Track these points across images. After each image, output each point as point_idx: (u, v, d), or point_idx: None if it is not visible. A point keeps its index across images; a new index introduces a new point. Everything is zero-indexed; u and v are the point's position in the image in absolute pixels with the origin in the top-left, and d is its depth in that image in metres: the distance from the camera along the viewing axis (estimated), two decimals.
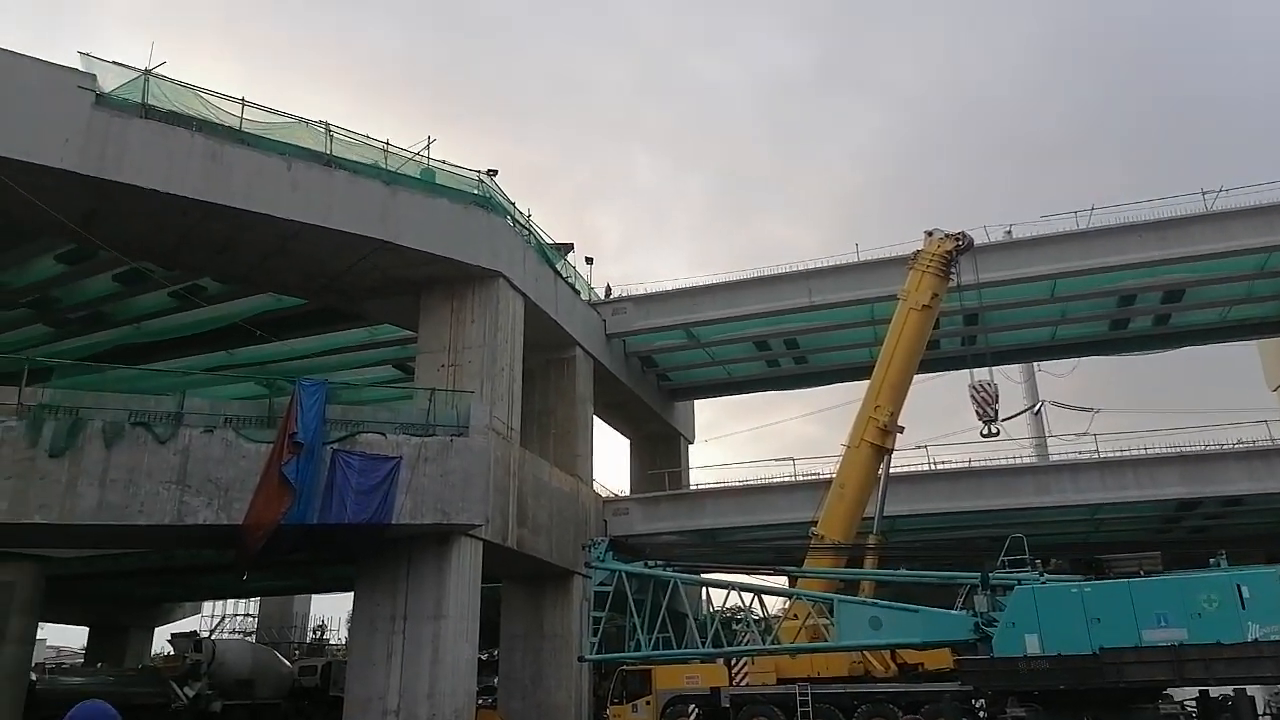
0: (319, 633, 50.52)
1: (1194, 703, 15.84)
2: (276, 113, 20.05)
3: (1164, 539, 29.43)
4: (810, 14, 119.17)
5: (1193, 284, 27.85)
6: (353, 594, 20.30)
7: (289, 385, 18.21)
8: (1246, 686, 15.06)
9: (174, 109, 18.40)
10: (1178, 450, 25.98)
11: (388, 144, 21.40)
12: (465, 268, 21.91)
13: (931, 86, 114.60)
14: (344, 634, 45.74)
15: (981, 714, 16.89)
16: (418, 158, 22.03)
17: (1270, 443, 26.03)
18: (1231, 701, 14.79)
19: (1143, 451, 26.33)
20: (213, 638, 32.03)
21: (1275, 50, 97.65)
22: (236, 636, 46.05)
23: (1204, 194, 26.11)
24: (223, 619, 50.63)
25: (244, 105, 19.34)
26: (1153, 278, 27.37)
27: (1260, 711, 18.59)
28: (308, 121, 20.48)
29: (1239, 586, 14.36)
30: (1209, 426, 68.98)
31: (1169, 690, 15.50)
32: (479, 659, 22.52)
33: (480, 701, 23.34)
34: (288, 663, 34.17)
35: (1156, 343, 32.63)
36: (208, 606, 51.08)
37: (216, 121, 18.93)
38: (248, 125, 19.31)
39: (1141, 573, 15.53)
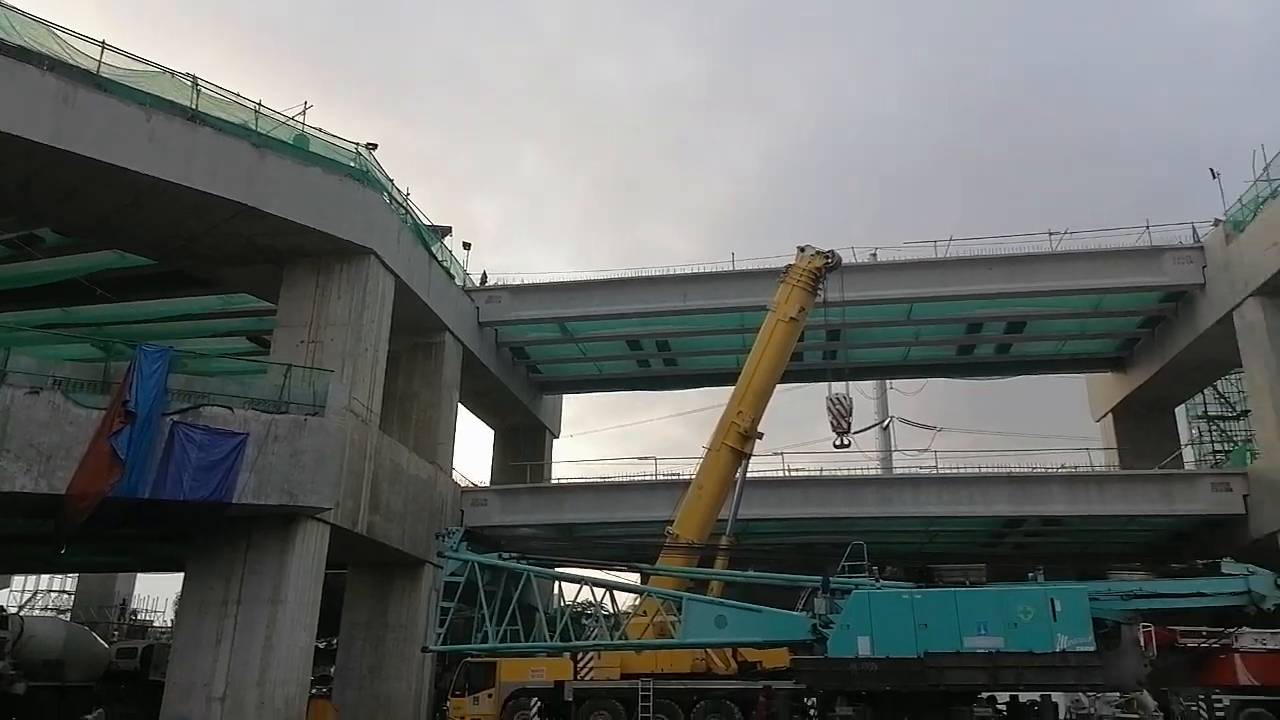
0: (124, 612, 47.28)
1: (1005, 706, 17.00)
2: (139, 59, 18.80)
3: (990, 553, 31.45)
4: (704, 31, 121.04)
5: (1034, 317, 29.97)
6: (184, 574, 19.26)
7: (129, 350, 17.17)
8: (1052, 693, 16.31)
9: (24, 44, 16.96)
10: (1008, 471, 27.84)
11: (260, 105, 20.42)
12: (335, 241, 21.14)
13: (812, 113, 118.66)
14: (170, 617, 43.24)
15: (812, 712, 17.59)
16: (292, 122, 21.11)
17: (1090, 469, 28.37)
18: (1038, 706, 15.93)
19: (977, 470, 28.10)
20: (20, 614, 29.68)
21: (1117, 109, 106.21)
22: (49, 614, 42.80)
23: (1050, 235, 28.19)
24: (34, 595, 46.98)
25: (104, 49, 18.02)
26: (999, 308, 29.29)
27: (1062, 716, 20.10)
28: (173, 72, 19.30)
29: (1052, 600, 15.49)
30: (1038, 450, 74.40)
31: (986, 693, 16.56)
32: (317, 647, 21.76)
33: (314, 691, 22.57)
34: (104, 644, 32.04)
35: (998, 369, 34.94)
36: (18, 581, 47.28)
37: (72, 63, 17.58)
38: (106, 70, 18.01)
39: (968, 583, 16.49)
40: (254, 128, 20.04)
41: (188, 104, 19.05)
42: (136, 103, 18.08)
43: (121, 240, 21.19)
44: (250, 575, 18.06)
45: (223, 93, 19.91)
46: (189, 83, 19.26)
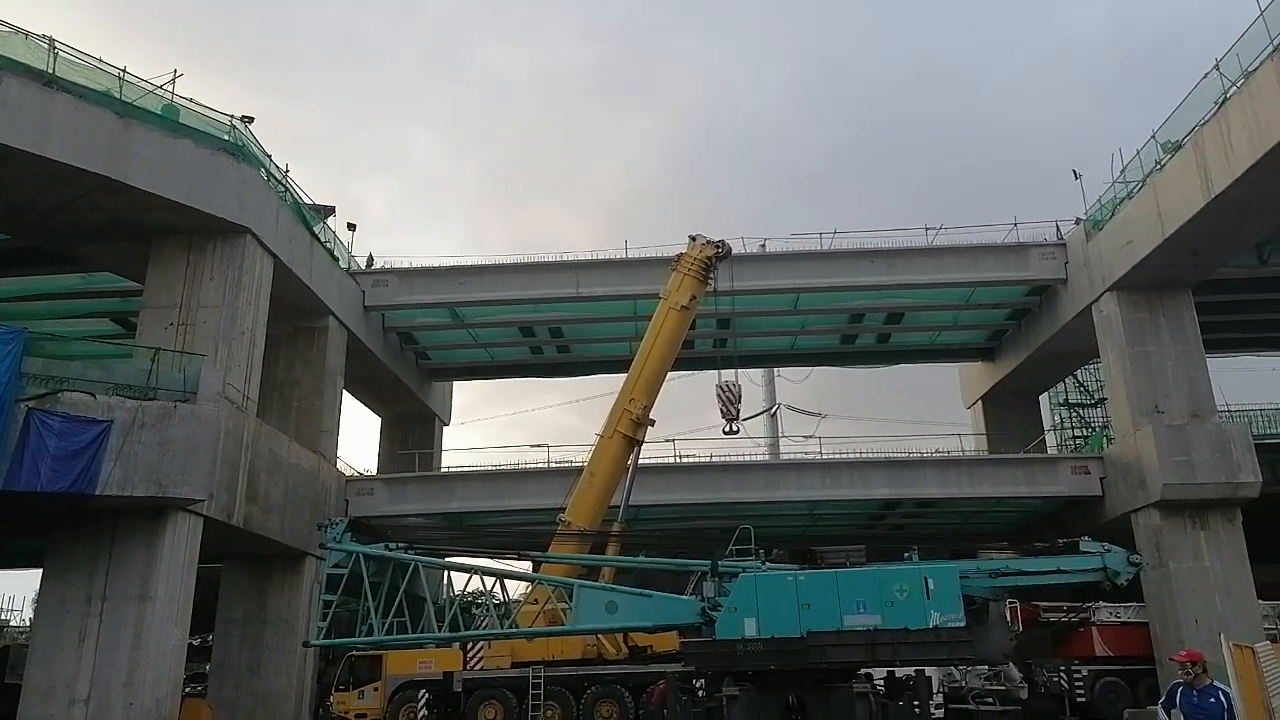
0: None
1: (882, 681, 17.68)
2: None
3: (870, 534, 32.73)
4: (598, 19, 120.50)
5: (911, 308, 31.22)
6: (42, 570, 18.06)
7: None
8: (926, 667, 17.03)
9: None
10: (885, 456, 28.95)
11: (125, 72, 19.13)
12: (207, 219, 20.10)
13: (704, 107, 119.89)
14: (29, 615, 40.45)
15: (700, 693, 17.85)
16: (160, 92, 19.89)
17: (960, 453, 29.82)
18: (912, 681, 16.61)
19: (858, 455, 29.12)
20: None
21: (989, 110, 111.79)
22: None
23: (927, 230, 29.39)
24: None
25: None
26: (879, 300, 30.38)
27: (935, 690, 21.05)
28: (27, 34, 17.88)
29: (926, 579, 16.11)
30: (914, 436, 78.13)
31: (865, 670, 17.16)
32: (191, 644, 20.80)
33: (188, 690, 21.58)
34: None
35: (877, 358, 36.28)
36: None
37: None
38: None
39: (848, 563, 17.02)
40: (118, 96, 18.80)
41: (44, 68, 17.70)
42: None
43: None
44: (116, 570, 17.10)
45: (83, 58, 18.58)
46: (45, 45, 17.90)
